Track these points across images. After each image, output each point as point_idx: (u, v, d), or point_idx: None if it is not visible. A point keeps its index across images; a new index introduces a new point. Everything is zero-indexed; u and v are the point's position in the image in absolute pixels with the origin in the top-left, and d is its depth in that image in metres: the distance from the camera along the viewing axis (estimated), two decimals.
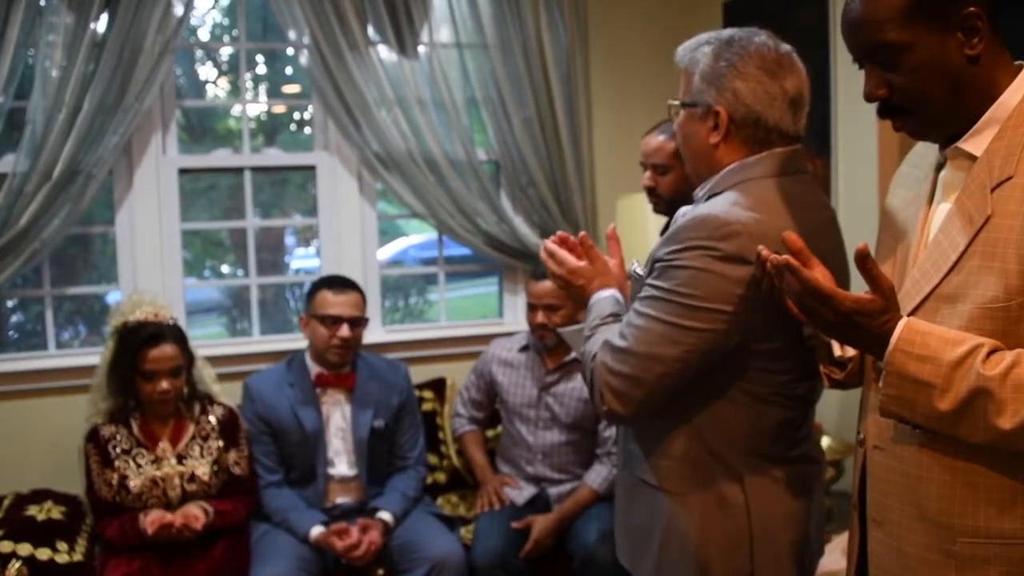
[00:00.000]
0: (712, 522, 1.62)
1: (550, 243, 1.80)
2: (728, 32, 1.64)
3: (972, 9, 1.25)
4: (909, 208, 1.42)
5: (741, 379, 1.58)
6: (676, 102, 1.67)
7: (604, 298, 1.71)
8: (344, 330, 2.97)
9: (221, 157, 3.60)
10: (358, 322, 3.02)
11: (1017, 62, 1.33)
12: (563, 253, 1.77)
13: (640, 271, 1.65)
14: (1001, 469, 1.26)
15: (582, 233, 1.81)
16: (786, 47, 1.63)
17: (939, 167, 1.38)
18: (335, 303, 2.99)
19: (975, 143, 1.30)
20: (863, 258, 1.21)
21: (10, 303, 3.52)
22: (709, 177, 1.63)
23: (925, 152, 1.45)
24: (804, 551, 1.69)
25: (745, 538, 1.62)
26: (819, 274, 1.30)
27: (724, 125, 1.58)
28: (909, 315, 1.28)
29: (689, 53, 1.65)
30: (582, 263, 1.77)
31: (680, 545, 1.64)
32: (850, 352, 1.45)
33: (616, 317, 1.67)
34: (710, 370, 1.56)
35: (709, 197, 1.60)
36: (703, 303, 1.49)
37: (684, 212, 1.65)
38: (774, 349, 1.56)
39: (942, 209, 1.35)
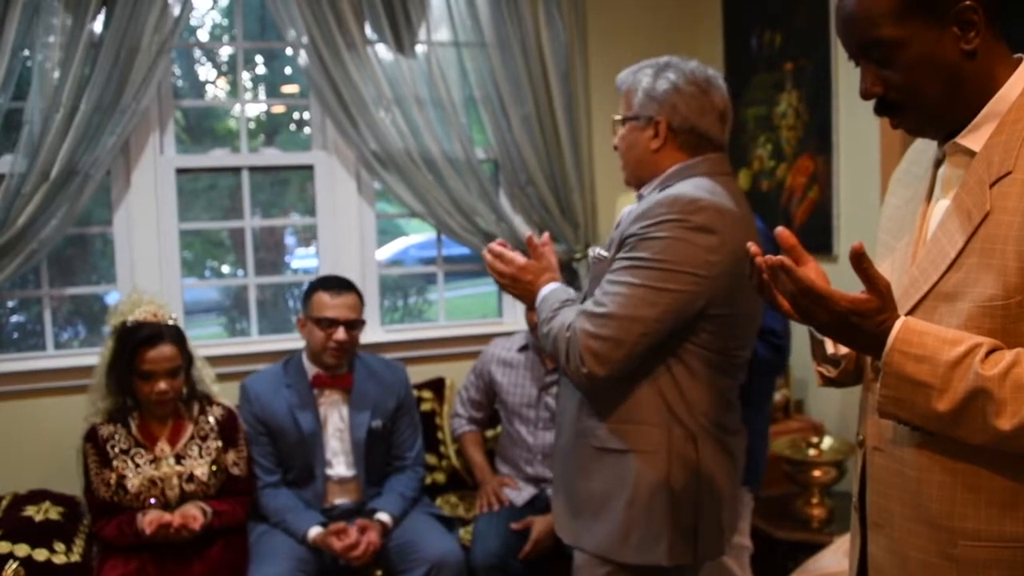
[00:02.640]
0: (674, 480, 1.83)
1: (495, 246, 1.99)
2: (665, 58, 1.92)
3: (967, 3, 1.23)
4: (908, 205, 1.41)
5: (697, 344, 1.81)
6: (619, 117, 1.93)
7: (556, 288, 1.91)
8: (340, 333, 2.95)
9: (219, 157, 3.59)
10: (354, 325, 3.00)
11: (1016, 55, 1.31)
12: (512, 253, 1.97)
13: (604, 253, 1.86)
14: (1002, 471, 1.24)
15: (528, 234, 2.03)
16: (712, 71, 1.93)
17: (938, 163, 1.36)
18: (331, 306, 2.97)
19: (973, 138, 1.28)
20: (858, 257, 1.19)
21: (9, 303, 3.52)
22: (650, 178, 1.90)
23: (924, 148, 1.43)
24: (731, 512, 1.94)
25: (693, 496, 1.84)
26: (812, 272, 1.28)
27: (664, 132, 1.87)
28: (908, 314, 1.26)
29: (631, 76, 1.93)
30: (530, 260, 1.97)
31: (648, 503, 1.82)
32: (843, 350, 1.43)
33: (572, 302, 1.87)
34: (673, 336, 1.78)
35: (662, 190, 1.84)
36: (678, 267, 1.73)
37: (629, 210, 1.87)
38: (729, 314, 1.82)
39: (941, 206, 1.33)
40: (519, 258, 1.96)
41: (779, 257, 1.25)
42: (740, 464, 1.97)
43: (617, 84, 1.96)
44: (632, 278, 1.74)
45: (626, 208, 1.92)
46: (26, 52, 2.97)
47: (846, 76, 3.01)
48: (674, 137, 1.87)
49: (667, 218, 1.74)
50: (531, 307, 1.97)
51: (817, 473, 2.91)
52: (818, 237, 3.09)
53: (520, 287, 1.95)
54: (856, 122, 2.99)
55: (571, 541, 1.95)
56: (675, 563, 1.85)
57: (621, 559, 1.86)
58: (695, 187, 1.79)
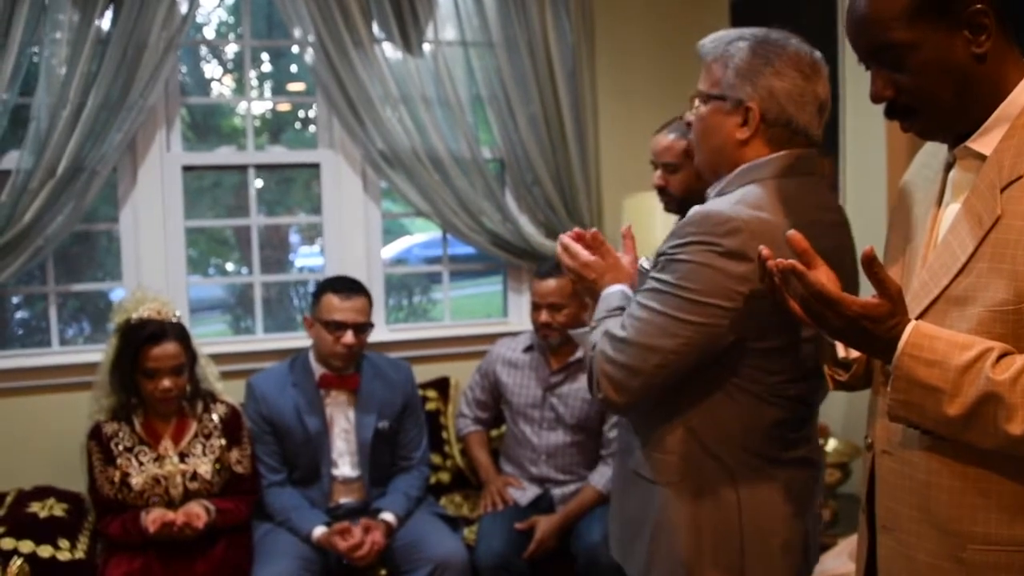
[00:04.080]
0: (703, 516, 1.64)
1: (566, 237, 1.81)
2: (762, 30, 1.64)
3: (979, 6, 1.22)
4: (918, 209, 1.40)
5: (736, 376, 1.59)
6: (701, 92, 1.65)
7: (613, 292, 1.72)
8: (349, 336, 2.93)
9: (225, 155, 3.59)
10: (363, 328, 2.99)
11: None
12: (577, 247, 1.78)
13: (647, 266, 1.67)
14: (1013, 475, 1.24)
15: (593, 229, 1.82)
16: (818, 53, 1.64)
17: (948, 167, 1.36)
18: (341, 309, 2.94)
19: (984, 142, 1.28)
20: (869, 261, 1.19)
21: (14, 300, 3.52)
22: (725, 172, 1.63)
23: (935, 152, 1.43)
24: (800, 553, 1.71)
25: (735, 534, 1.64)
26: (823, 276, 1.28)
27: (755, 122, 1.58)
28: (918, 318, 1.26)
29: (722, 46, 1.63)
30: (594, 257, 1.78)
31: (669, 538, 1.66)
32: (854, 354, 1.43)
33: (623, 310, 1.68)
34: (706, 365, 1.57)
35: (719, 195, 1.62)
36: (702, 297, 1.50)
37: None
38: (770, 348, 1.57)
39: (951, 210, 1.32)
40: (583, 253, 1.77)
41: (790, 261, 1.24)
42: (807, 501, 1.71)
43: (700, 51, 1.67)
44: (653, 303, 1.54)
45: (693, 208, 1.70)
46: (34, 48, 2.98)
47: (853, 78, 3.00)
48: (766, 129, 1.58)
49: (694, 239, 1.50)
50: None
51: None
52: None
53: (584, 284, 1.78)
54: (863, 124, 2.98)
55: (618, 559, 1.84)
56: None
57: None
58: (737, 201, 1.54)
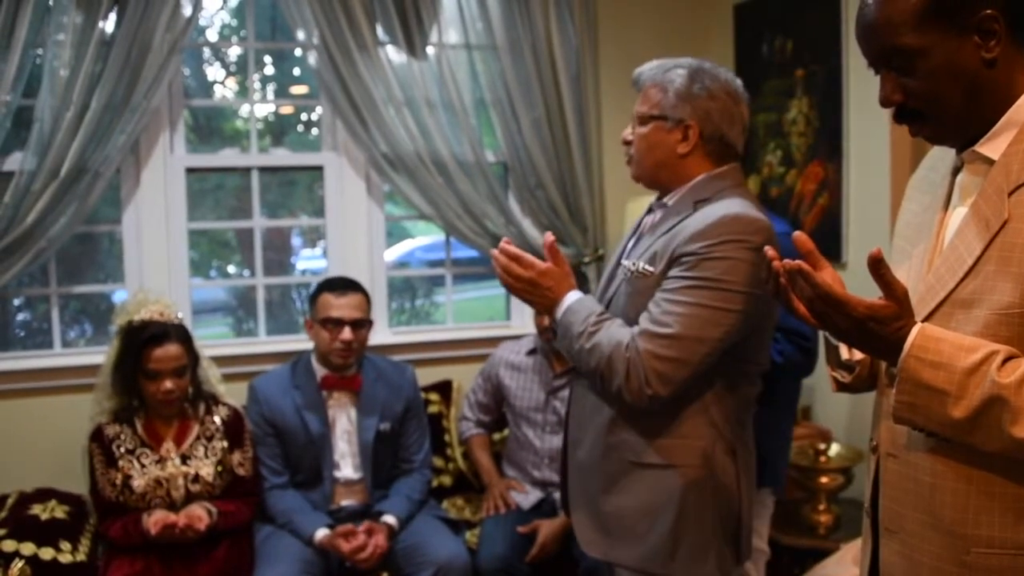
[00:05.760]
0: (720, 490, 1.83)
1: (511, 248, 1.87)
2: (695, 61, 1.89)
3: (989, 12, 1.23)
4: (925, 212, 1.41)
5: (743, 358, 1.82)
6: (642, 113, 1.87)
7: (583, 299, 1.86)
8: (346, 332, 2.94)
9: (228, 157, 3.59)
10: (361, 324, 2.99)
11: None
12: (530, 257, 1.86)
13: (649, 268, 1.80)
14: (1017, 478, 1.24)
15: (551, 240, 1.88)
16: (740, 82, 1.91)
17: (956, 171, 1.36)
18: (336, 305, 2.96)
19: (992, 147, 1.28)
20: (876, 263, 1.19)
21: (16, 301, 3.52)
22: (671, 183, 1.87)
23: (942, 156, 1.43)
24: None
25: (736, 503, 1.86)
26: (828, 277, 1.28)
27: (694, 138, 1.84)
28: (924, 320, 1.26)
29: (660, 73, 1.87)
30: (549, 265, 1.86)
31: (697, 514, 1.81)
32: (858, 355, 1.43)
33: (608, 316, 1.82)
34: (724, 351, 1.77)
35: (696, 203, 1.82)
36: (743, 288, 1.73)
37: (653, 217, 1.90)
38: (766, 328, 1.86)
39: (958, 213, 1.33)
40: (539, 262, 1.85)
41: (797, 262, 1.25)
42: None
43: (638, 78, 1.90)
44: (695, 299, 1.72)
45: (648, 217, 1.92)
46: (37, 50, 2.98)
47: (857, 83, 3.00)
48: (703, 144, 1.85)
49: (729, 238, 1.73)
50: (544, 313, 1.90)
51: (824, 479, 2.90)
52: (827, 244, 3.08)
53: (538, 293, 1.85)
54: (867, 129, 2.98)
55: (603, 556, 1.90)
56: (724, 574, 1.86)
57: (667, 573, 1.84)
58: (744, 206, 1.78)
